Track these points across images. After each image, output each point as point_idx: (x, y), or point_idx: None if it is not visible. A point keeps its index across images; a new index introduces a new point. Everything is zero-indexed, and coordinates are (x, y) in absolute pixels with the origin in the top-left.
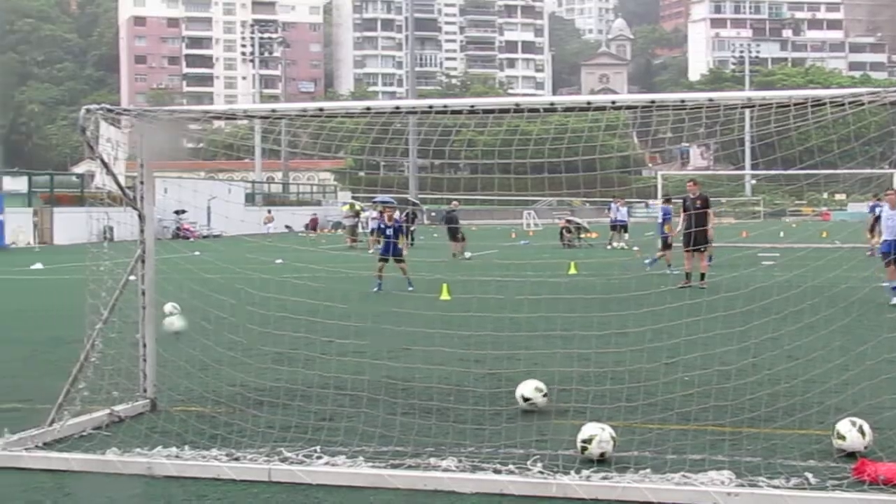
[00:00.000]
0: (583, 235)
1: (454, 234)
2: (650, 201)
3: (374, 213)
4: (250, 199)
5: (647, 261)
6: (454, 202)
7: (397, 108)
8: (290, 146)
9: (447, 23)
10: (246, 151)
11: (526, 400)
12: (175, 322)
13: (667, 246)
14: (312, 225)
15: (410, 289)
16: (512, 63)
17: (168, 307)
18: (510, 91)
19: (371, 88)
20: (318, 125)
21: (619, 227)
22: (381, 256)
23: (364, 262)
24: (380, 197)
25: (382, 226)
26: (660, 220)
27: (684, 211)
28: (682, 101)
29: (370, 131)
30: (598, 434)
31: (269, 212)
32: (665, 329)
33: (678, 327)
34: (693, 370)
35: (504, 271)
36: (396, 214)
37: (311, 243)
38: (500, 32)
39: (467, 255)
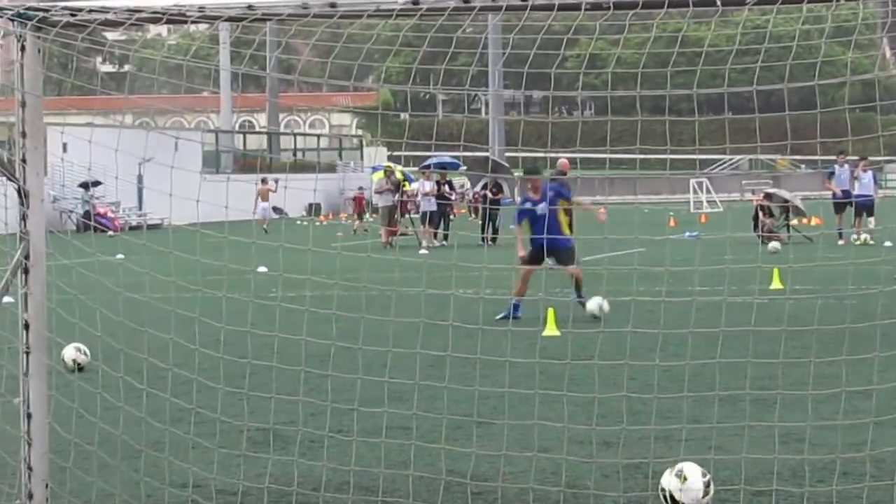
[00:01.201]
0: (794, 221)
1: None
2: None
3: (429, 185)
4: (212, 161)
5: None
6: (562, 161)
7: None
8: (281, 70)
9: None
10: (204, 79)
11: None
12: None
13: None
14: (358, 207)
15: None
16: None
17: (69, 351)
18: None
19: None
20: (330, 32)
21: (858, 207)
22: (531, 253)
23: (410, 270)
24: (437, 157)
25: (529, 204)
26: None
27: None
28: None
29: (419, 42)
30: None
31: (265, 181)
32: None
33: None
34: None
35: (655, 285)
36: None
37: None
38: None
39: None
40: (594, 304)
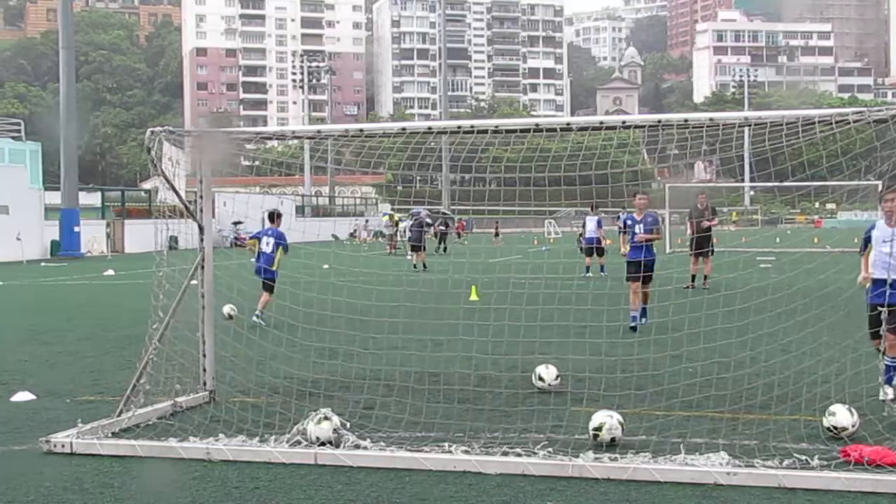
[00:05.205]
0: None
1: (418, 240)
2: (660, 211)
3: (411, 223)
4: (300, 211)
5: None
6: (423, 212)
7: (430, 128)
8: (335, 163)
9: (476, 52)
10: (296, 168)
11: (542, 380)
12: None
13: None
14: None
15: None
16: (534, 88)
17: (226, 308)
18: (533, 113)
19: (408, 111)
20: (360, 144)
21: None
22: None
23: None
24: (416, 208)
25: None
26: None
27: (689, 219)
28: (686, 121)
29: (406, 149)
30: (607, 421)
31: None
32: (671, 324)
33: (682, 322)
34: (696, 361)
35: (526, 274)
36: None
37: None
38: (524, 60)
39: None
40: None
